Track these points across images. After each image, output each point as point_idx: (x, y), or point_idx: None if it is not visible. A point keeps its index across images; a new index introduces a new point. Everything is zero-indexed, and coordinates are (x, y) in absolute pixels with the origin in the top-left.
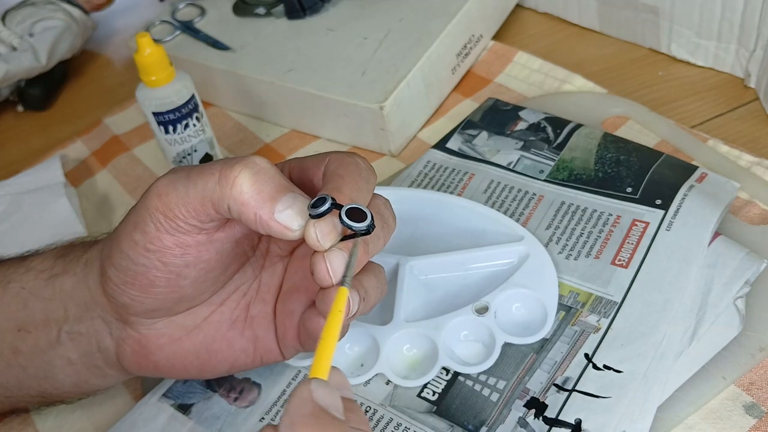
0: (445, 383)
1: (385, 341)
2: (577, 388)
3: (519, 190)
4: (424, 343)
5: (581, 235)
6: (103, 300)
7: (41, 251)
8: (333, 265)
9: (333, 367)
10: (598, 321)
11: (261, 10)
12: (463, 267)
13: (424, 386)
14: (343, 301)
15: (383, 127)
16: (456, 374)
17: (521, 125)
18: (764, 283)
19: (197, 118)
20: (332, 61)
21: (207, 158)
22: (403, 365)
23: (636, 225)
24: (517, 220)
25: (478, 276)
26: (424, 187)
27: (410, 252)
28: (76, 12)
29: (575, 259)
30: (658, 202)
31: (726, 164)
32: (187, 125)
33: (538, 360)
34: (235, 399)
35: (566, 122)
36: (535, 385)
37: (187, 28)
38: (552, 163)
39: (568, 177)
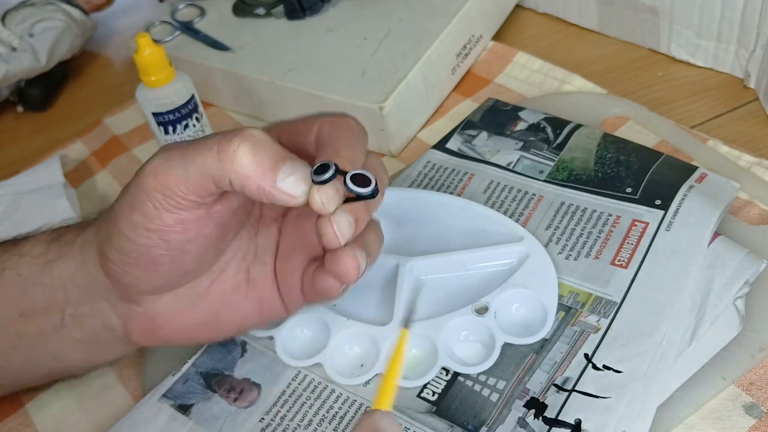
0: (444, 383)
1: (385, 341)
2: (576, 388)
3: (519, 191)
4: (424, 343)
5: (581, 235)
6: (104, 281)
7: (31, 235)
8: (340, 227)
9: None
10: (597, 321)
11: (261, 11)
12: (463, 267)
13: (424, 386)
14: (405, 340)
15: (383, 128)
16: (456, 374)
17: (521, 125)
18: (764, 283)
19: (197, 119)
20: (332, 62)
21: None
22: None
23: (636, 225)
24: (517, 221)
25: (478, 276)
26: (424, 188)
27: (410, 252)
28: (75, 12)
29: (575, 259)
30: (658, 202)
31: (726, 164)
32: (187, 125)
33: (538, 360)
34: (235, 399)
35: (566, 122)
36: (534, 385)
37: (187, 28)
38: (552, 164)
39: (567, 177)
